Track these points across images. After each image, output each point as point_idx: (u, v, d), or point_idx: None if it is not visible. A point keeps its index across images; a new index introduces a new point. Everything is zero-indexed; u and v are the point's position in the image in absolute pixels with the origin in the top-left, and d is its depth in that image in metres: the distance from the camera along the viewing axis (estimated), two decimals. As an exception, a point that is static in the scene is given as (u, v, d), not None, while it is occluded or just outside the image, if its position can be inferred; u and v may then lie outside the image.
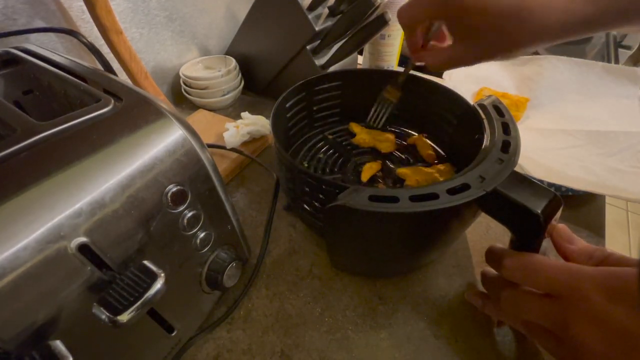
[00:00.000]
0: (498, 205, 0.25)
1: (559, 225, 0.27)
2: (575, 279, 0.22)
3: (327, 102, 0.47)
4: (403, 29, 0.32)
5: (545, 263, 0.23)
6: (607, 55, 0.77)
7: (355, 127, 0.48)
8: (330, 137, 0.49)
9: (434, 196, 0.24)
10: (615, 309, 0.20)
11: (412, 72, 0.41)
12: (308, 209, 0.34)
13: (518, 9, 0.25)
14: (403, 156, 0.46)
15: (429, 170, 0.41)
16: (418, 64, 0.35)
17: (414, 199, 0.24)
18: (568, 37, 0.26)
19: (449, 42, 0.32)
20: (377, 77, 0.46)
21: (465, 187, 0.24)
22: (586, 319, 0.21)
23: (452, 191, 0.24)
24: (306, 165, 0.45)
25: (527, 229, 0.25)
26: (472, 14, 0.26)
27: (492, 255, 0.28)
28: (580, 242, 0.27)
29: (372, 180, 0.42)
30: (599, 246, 0.26)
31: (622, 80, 0.53)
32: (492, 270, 0.29)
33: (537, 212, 0.23)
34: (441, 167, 0.41)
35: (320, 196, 0.31)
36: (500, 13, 0.25)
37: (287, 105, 0.42)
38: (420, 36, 0.33)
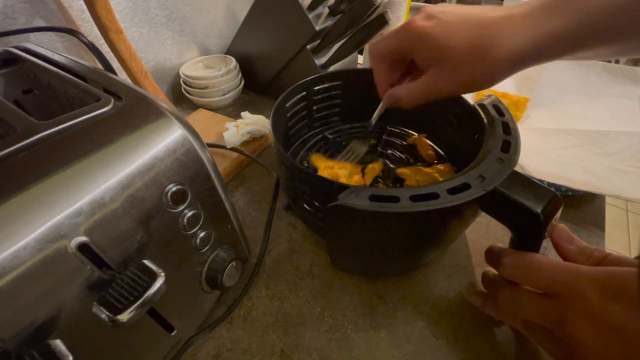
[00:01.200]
0: (498, 204, 0.25)
1: (559, 226, 0.28)
2: (573, 277, 0.22)
3: (327, 101, 0.47)
4: (374, 65, 0.33)
5: (544, 262, 0.24)
6: (607, 55, 0.77)
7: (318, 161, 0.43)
8: (330, 136, 0.49)
9: (434, 196, 0.24)
10: (612, 307, 0.20)
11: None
12: (308, 208, 0.34)
13: (472, 46, 0.25)
14: (403, 156, 0.46)
15: (429, 170, 0.41)
16: (388, 105, 0.34)
17: (414, 198, 0.24)
18: (540, 60, 0.26)
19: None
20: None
21: (465, 187, 0.24)
22: (583, 316, 0.21)
23: (452, 191, 0.24)
24: (306, 165, 0.45)
25: (527, 229, 0.25)
26: (432, 48, 0.27)
27: (492, 255, 0.28)
28: (579, 243, 0.27)
29: (372, 180, 0.42)
30: (598, 247, 0.26)
31: (623, 79, 0.53)
32: (492, 271, 0.30)
33: (537, 212, 0.23)
34: (441, 167, 0.41)
35: (320, 196, 0.31)
36: (455, 48, 0.26)
37: (287, 104, 0.42)
38: (389, 75, 0.33)
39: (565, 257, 0.27)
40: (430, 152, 0.44)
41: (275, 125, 0.36)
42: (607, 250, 0.25)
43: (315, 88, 0.45)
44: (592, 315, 0.20)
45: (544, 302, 0.23)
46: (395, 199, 0.24)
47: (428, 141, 0.46)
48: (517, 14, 0.25)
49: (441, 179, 0.39)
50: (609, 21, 0.23)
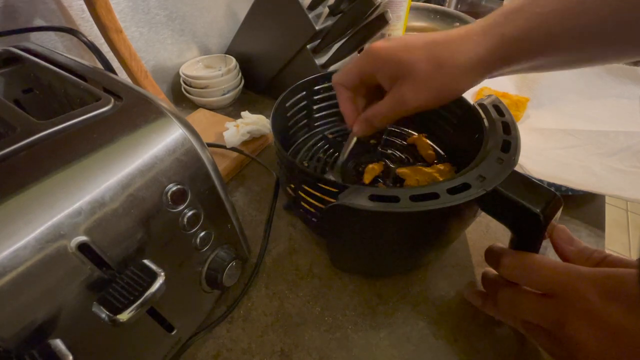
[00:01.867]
0: (498, 204, 0.25)
1: (559, 226, 0.28)
2: (572, 278, 0.22)
3: (327, 101, 0.47)
4: (338, 96, 0.33)
5: (544, 263, 0.24)
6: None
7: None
8: (330, 136, 0.49)
9: (434, 196, 0.24)
10: (611, 308, 0.20)
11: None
12: (308, 208, 0.34)
13: (431, 57, 0.26)
14: (403, 156, 0.46)
15: (428, 170, 0.41)
16: (358, 134, 0.34)
17: (414, 198, 0.24)
18: (499, 68, 0.27)
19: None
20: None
21: (465, 187, 0.24)
22: (582, 317, 0.21)
23: (452, 191, 0.24)
24: (306, 165, 0.45)
25: (527, 229, 0.25)
26: (393, 65, 0.28)
27: (492, 255, 0.28)
28: (579, 243, 0.27)
29: (372, 179, 0.42)
30: (597, 248, 0.26)
31: (623, 79, 0.53)
32: (492, 271, 0.30)
33: (537, 212, 0.23)
34: (441, 167, 0.41)
35: (321, 196, 0.31)
36: (416, 62, 0.27)
37: (287, 105, 0.42)
38: (355, 105, 0.33)
39: (564, 257, 0.27)
40: (430, 152, 0.44)
41: (275, 126, 0.36)
42: (607, 252, 0.25)
43: (315, 88, 0.45)
44: (592, 316, 0.20)
45: (544, 302, 0.23)
46: (396, 199, 0.24)
47: (428, 141, 0.46)
48: (474, 27, 0.27)
49: (441, 179, 0.39)
50: (562, 24, 0.23)
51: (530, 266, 0.24)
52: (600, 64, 0.27)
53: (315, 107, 0.47)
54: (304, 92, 0.44)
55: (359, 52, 0.56)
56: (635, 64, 0.55)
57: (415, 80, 0.27)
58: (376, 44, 0.28)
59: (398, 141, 0.48)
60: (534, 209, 0.23)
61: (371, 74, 0.29)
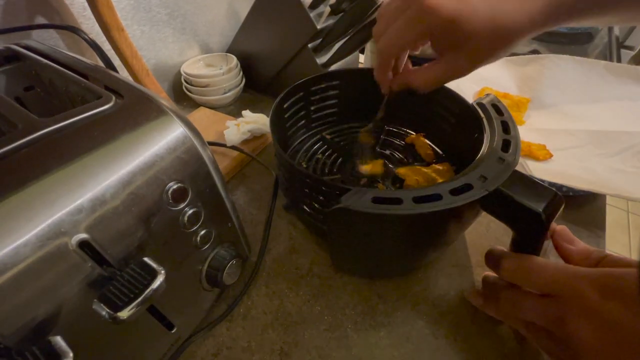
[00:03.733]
0: (500, 204, 0.25)
1: (559, 227, 0.28)
2: (572, 278, 0.22)
3: (324, 101, 0.47)
4: (385, 56, 0.30)
5: (544, 265, 0.24)
6: (609, 56, 0.77)
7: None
8: (328, 137, 0.49)
9: (437, 197, 0.24)
10: (611, 306, 0.20)
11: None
12: (308, 210, 0.34)
13: (493, 27, 0.25)
14: (401, 156, 0.46)
15: (427, 169, 0.41)
16: (398, 88, 0.32)
17: (417, 200, 0.24)
18: (548, 26, 0.26)
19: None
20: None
21: (467, 188, 0.24)
22: (583, 316, 0.21)
23: (454, 192, 0.24)
24: (305, 165, 0.45)
25: (530, 228, 0.25)
26: (456, 35, 0.26)
27: (492, 258, 0.28)
28: (579, 243, 0.27)
29: (372, 180, 0.42)
30: (598, 248, 0.26)
31: (625, 79, 0.53)
32: (492, 274, 0.30)
33: (539, 212, 0.23)
34: (440, 166, 0.41)
35: (320, 197, 0.31)
36: (478, 32, 0.25)
37: (285, 105, 0.42)
38: (391, 65, 0.31)
39: (565, 257, 0.27)
40: (429, 151, 0.44)
41: (274, 127, 0.36)
42: (607, 251, 0.25)
43: (313, 88, 0.45)
44: (592, 315, 0.21)
45: (544, 302, 0.23)
46: (399, 201, 0.24)
47: (426, 140, 0.46)
48: None
49: (440, 179, 0.39)
50: None
51: (530, 268, 0.24)
52: None
53: (312, 107, 0.47)
54: (302, 93, 0.44)
55: (360, 52, 0.56)
56: (638, 64, 0.55)
57: (474, 49, 0.26)
58: (438, 6, 0.25)
59: (396, 141, 0.48)
60: (536, 209, 0.23)
61: (426, 40, 0.28)
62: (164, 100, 0.23)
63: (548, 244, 0.27)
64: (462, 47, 0.26)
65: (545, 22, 0.25)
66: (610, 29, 0.82)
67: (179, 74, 0.63)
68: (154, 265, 0.20)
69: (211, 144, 0.49)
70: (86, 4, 0.43)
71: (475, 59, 0.26)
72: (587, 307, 0.21)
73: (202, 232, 0.26)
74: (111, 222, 0.19)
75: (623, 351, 0.20)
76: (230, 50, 0.65)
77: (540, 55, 0.60)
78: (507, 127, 0.31)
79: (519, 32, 0.25)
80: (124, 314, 0.18)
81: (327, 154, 0.46)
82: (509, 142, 0.29)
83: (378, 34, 0.30)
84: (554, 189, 0.24)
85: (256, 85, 0.65)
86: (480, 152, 0.29)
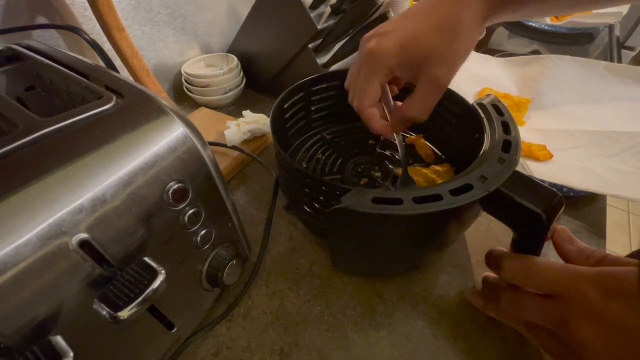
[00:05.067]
0: (501, 205, 0.25)
1: (559, 227, 0.28)
2: (573, 278, 0.22)
3: (325, 102, 0.47)
4: (365, 114, 0.31)
5: (544, 265, 0.24)
6: (609, 56, 0.77)
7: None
8: (328, 137, 0.49)
9: (437, 197, 0.24)
10: (612, 306, 0.20)
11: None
12: (308, 210, 0.34)
13: (438, 36, 0.26)
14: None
15: (427, 170, 0.41)
16: (401, 129, 0.33)
17: (417, 200, 0.24)
18: (496, 19, 0.28)
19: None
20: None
21: (468, 188, 0.24)
22: (584, 316, 0.21)
23: (455, 192, 0.24)
24: (305, 165, 0.45)
25: (530, 229, 0.25)
26: (408, 61, 0.27)
27: (492, 259, 0.28)
28: (579, 244, 0.27)
29: (371, 180, 0.42)
30: (598, 248, 0.26)
31: (625, 79, 0.53)
32: (492, 275, 0.30)
33: (540, 212, 0.23)
34: (439, 167, 0.41)
35: (321, 197, 0.31)
36: (429, 44, 0.27)
37: (286, 106, 0.42)
38: (378, 110, 0.32)
39: (565, 257, 0.27)
40: (429, 152, 0.44)
41: (274, 127, 0.36)
42: (607, 251, 0.25)
43: (314, 88, 0.45)
44: (593, 314, 0.21)
45: (546, 303, 0.23)
46: (399, 201, 0.24)
47: (426, 141, 0.46)
48: None
49: (440, 179, 0.39)
50: None
51: (531, 269, 0.24)
52: (595, 6, 0.27)
53: (313, 107, 0.47)
54: (302, 93, 0.44)
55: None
56: (638, 63, 0.55)
57: (437, 59, 0.27)
58: (376, 47, 0.27)
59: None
60: (537, 209, 0.23)
61: (388, 77, 0.29)
62: (165, 100, 0.24)
63: (547, 244, 0.27)
64: (427, 61, 0.27)
65: (490, 16, 0.27)
66: (611, 30, 0.82)
67: (179, 74, 0.63)
68: (154, 265, 0.20)
69: (211, 144, 0.49)
70: (87, 4, 0.43)
71: (444, 65, 0.27)
72: (589, 307, 0.21)
73: (203, 232, 0.26)
74: (111, 222, 0.19)
75: (626, 350, 0.20)
76: (230, 50, 0.65)
77: (540, 55, 0.60)
78: (507, 128, 0.30)
79: (472, 31, 0.27)
80: (124, 313, 0.18)
81: (327, 154, 0.46)
82: (509, 143, 0.29)
83: (350, 100, 0.32)
84: (554, 190, 0.24)
85: (256, 85, 0.66)
86: (481, 153, 0.29)
